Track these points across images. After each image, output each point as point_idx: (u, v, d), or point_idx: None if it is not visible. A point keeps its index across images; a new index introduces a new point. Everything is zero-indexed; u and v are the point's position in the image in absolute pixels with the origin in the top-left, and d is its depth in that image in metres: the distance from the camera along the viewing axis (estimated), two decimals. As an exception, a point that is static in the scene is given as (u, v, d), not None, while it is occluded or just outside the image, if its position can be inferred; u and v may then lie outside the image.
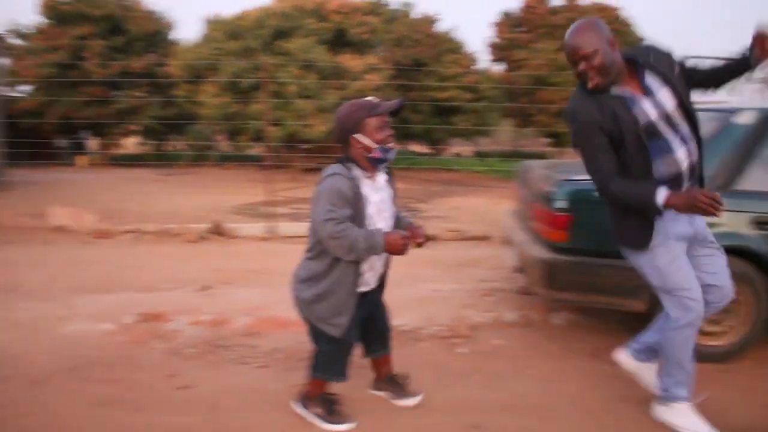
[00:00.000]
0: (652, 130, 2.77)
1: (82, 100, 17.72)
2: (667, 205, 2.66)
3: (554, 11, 23.10)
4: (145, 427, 2.95)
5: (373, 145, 2.77)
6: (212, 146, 19.52)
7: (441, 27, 21.01)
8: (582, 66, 2.73)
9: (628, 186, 2.79)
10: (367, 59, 15.61)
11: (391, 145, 2.81)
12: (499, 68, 23.29)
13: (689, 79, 2.90)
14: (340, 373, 3.00)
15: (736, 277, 3.63)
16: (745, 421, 3.19)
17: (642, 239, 2.90)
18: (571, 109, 2.87)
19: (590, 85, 2.75)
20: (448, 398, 3.33)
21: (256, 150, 19.86)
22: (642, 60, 2.81)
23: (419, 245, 2.90)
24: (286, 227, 8.05)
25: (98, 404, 3.18)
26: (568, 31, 2.79)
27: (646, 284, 3.76)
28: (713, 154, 3.75)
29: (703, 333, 3.87)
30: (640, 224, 2.88)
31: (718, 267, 3.02)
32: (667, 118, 2.79)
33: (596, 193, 3.74)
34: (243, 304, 4.81)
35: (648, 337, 3.24)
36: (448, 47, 19.46)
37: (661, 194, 2.67)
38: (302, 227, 8.00)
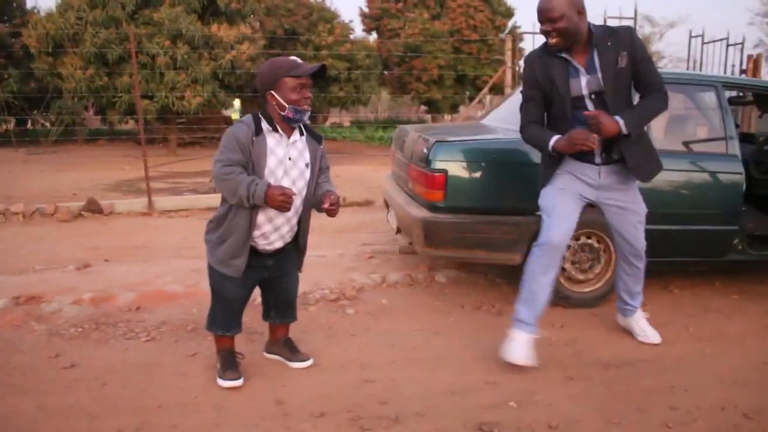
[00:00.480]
0: (577, 104, 3.21)
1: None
2: (555, 148, 3.19)
3: (425, -20, 23.42)
4: (34, 409, 2.87)
5: (286, 105, 2.84)
6: (80, 122, 18.49)
7: (314, -4, 20.86)
8: (546, 26, 3.07)
9: (534, 133, 3.33)
10: (239, 29, 15.25)
11: (305, 107, 2.89)
12: (373, 38, 23.44)
13: (635, 72, 3.21)
14: (224, 326, 3.12)
15: (600, 226, 3.97)
16: (613, 355, 3.51)
17: (546, 178, 3.41)
18: (526, 59, 3.41)
19: (550, 42, 3.12)
20: (340, 357, 3.45)
21: (130, 124, 19.08)
22: (598, 39, 3.13)
23: (329, 212, 2.99)
24: (165, 202, 7.87)
25: (-23, 391, 3.06)
26: None
27: (521, 238, 4.05)
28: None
29: (575, 281, 4.21)
30: (550, 168, 3.39)
31: (626, 223, 3.43)
32: (596, 96, 3.18)
33: (469, 153, 3.99)
34: (125, 280, 4.70)
35: (619, 290, 3.71)
36: (322, 16, 19.36)
37: (552, 140, 3.19)
38: (181, 201, 7.88)
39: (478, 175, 4.04)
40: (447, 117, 25.58)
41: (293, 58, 2.95)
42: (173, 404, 2.92)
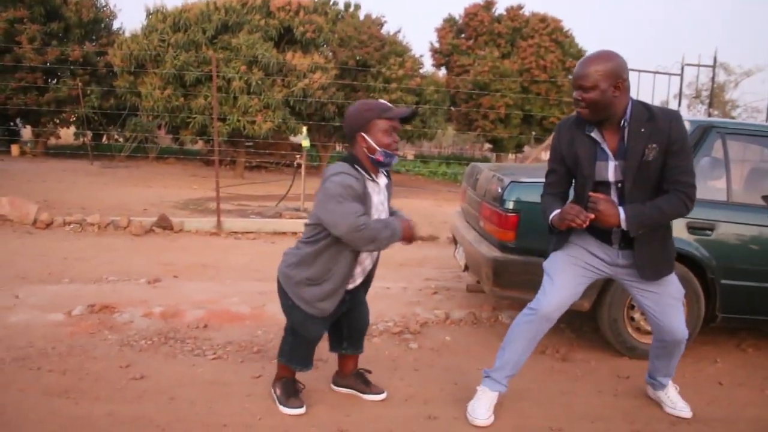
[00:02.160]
0: (600, 189, 2.92)
1: (16, 86, 17.14)
2: (551, 223, 3.00)
3: (497, 19, 23.59)
4: (105, 416, 2.95)
5: (377, 148, 2.83)
6: (153, 139, 19.13)
7: (386, 29, 21.18)
8: (577, 94, 2.81)
9: (546, 204, 3.09)
10: (312, 58, 15.60)
11: (395, 150, 2.88)
12: (442, 73, 23.63)
13: (664, 164, 2.83)
14: (302, 363, 3.09)
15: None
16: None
17: (553, 246, 3.16)
18: (557, 127, 3.08)
19: (578, 112, 2.87)
20: (404, 391, 3.44)
21: (199, 145, 19.62)
22: (632, 122, 2.82)
23: (409, 239, 3.00)
24: (232, 223, 8.03)
25: (53, 395, 3.16)
26: (586, 55, 2.88)
27: (591, 285, 3.99)
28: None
29: (643, 331, 4.12)
30: (557, 237, 3.13)
31: (659, 305, 3.08)
32: (620, 185, 2.91)
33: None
34: (193, 297, 4.82)
35: (650, 365, 3.43)
36: (393, 50, 19.60)
37: (552, 214, 2.99)
38: (249, 223, 8.04)
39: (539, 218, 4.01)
40: (511, 156, 25.49)
41: (383, 101, 2.93)
42: (238, 424, 2.96)
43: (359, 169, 2.85)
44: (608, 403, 3.44)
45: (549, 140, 12.42)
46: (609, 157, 2.87)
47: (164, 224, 7.63)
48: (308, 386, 3.26)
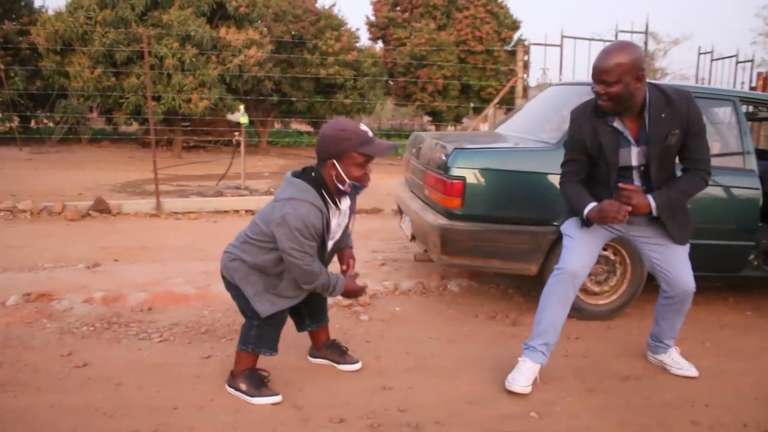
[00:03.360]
0: (623, 173, 3.03)
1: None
2: (588, 217, 3.03)
3: (432, -9, 23.51)
4: (48, 407, 2.83)
5: (347, 180, 2.72)
6: (85, 122, 18.47)
7: (321, 3, 20.93)
8: (599, 87, 2.83)
9: (573, 194, 3.12)
10: (247, 33, 15.26)
11: (366, 182, 2.79)
12: (378, 46, 23.50)
13: (683, 144, 2.96)
14: (271, 347, 2.98)
15: (618, 238, 3.95)
16: (630, 368, 3.48)
17: (565, 216, 3.29)
18: (573, 117, 3.12)
19: (599, 103, 2.90)
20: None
21: (134, 126, 19.07)
22: (653, 109, 2.88)
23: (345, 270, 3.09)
24: (173, 203, 7.84)
25: (-9, 387, 3.03)
26: (604, 48, 2.87)
27: (537, 248, 4.03)
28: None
29: (590, 293, 4.19)
30: (569, 209, 3.24)
31: (670, 259, 3.18)
32: (643, 168, 3.01)
33: (488, 161, 3.94)
34: (135, 280, 4.67)
35: (655, 329, 3.47)
36: (329, 24, 19.37)
37: (587, 209, 3.02)
38: (190, 203, 7.86)
39: (496, 183, 4.02)
40: (450, 128, 25.61)
41: (364, 128, 2.74)
42: (189, 406, 2.88)
43: (325, 194, 2.77)
44: (560, 363, 3.48)
45: (487, 111, 12.48)
46: (632, 144, 2.97)
47: (101, 208, 7.38)
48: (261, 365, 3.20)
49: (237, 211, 7.87)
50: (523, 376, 3.14)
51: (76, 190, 9.14)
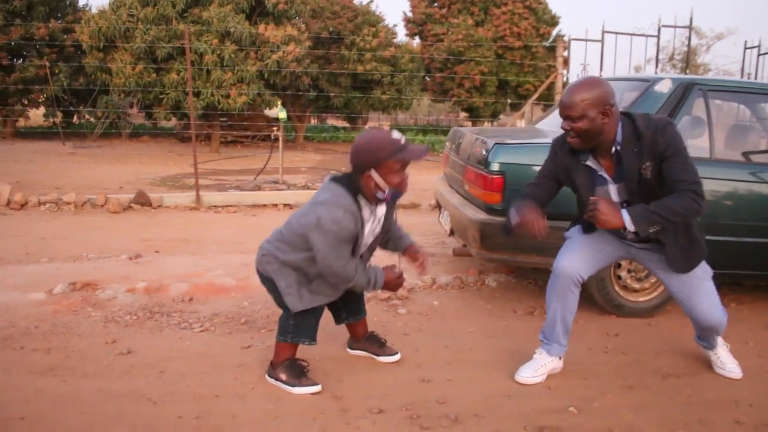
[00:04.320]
0: None
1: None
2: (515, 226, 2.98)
3: (470, -13, 23.38)
4: (94, 392, 2.90)
5: (386, 187, 2.74)
6: (126, 117, 18.79)
7: (359, 0, 20.95)
8: (565, 124, 2.79)
9: (518, 197, 3.11)
10: (285, 30, 15.37)
11: (405, 187, 2.80)
12: (416, 42, 23.47)
13: (662, 168, 2.77)
14: (311, 336, 3.00)
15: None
16: (671, 365, 3.43)
17: (572, 222, 3.31)
18: (552, 146, 3.08)
19: (568, 141, 2.84)
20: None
21: (173, 122, 19.35)
22: (624, 145, 2.79)
23: (421, 271, 3.14)
24: (212, 197, 7.94)
25: (39, 373, 3.09)
26: (570, 84, 2.82)
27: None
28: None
29: (630, 289, 4.14)
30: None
31: (687, 288, 3.05)
32: (625, 204, 2.89)
33: (529, 156, 3.92)
34: (176, 271, 4.75)
35: (696, 330, 3.38)
36: (366, 20, 19.42)
37: (512, 216, 3.00)
38: (229, 197, 7.96)
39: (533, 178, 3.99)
40: (487, 124, 25.49)
41: (396, 135, 2.75)
42: (231, 394, 2.93)
43: (360, 200, 2.80)
44: (599, 360, 3.46)
45: (525, 107, 12.40)
46: (609, 182, 2.90)
47: (142, 200, 7.51)
48: (296, 354, 3.23)
49: (275, 205, 7.94)
50: (530, 368, 3.18)
51: (117, 183, 9.32)
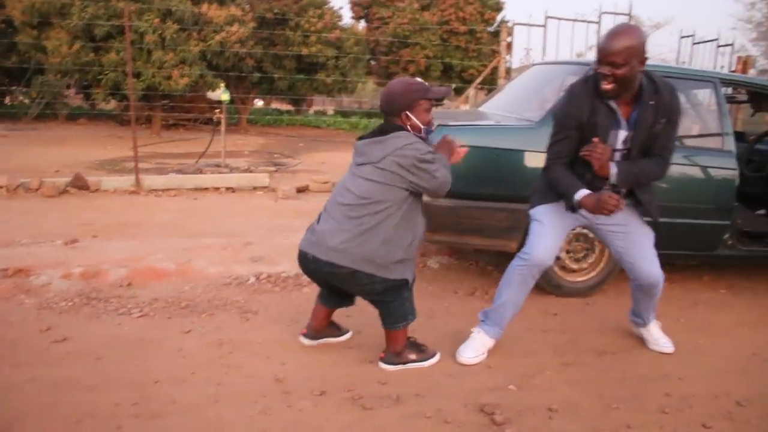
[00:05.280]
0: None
1: None
2: (581, 204, 3.00)
3: (416, -31, 23.33)
4: (27, 381, 2.82)
5: (421, 126, 2.96)
6: (63, 99, 18.16)
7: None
8: (605, 69, 2.83)
9: (561, 177, 3.10)
10: (229, 10, 15.07)
11: (432, 126, 3.04)
12: (361, 25, 23.33)
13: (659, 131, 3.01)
14: (414, 312, 3.11)
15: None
16: (607, 343, 3.53)
17: (535, 201, 3.30)
18: (571, 92, 3.09)
19: (602, 88, 2.89)
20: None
21: (112, 104, 18.82)
22: (645, 96, 2.94)
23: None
24: (152, 180, 7.77)
25: (-31, 362, 3.00)
26: (610, 29, 2.89)
27: (517, 225, 4.05)
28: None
29: (568, 270, 4.23)
30: (541, 193, 3.28)
31: (635, 246, 3.21)
32: (626, 152, 3.06)
33: (470, 138, 3.95)
34: (115, 256, 4.64)
35: (633, 305, 3.53)
36: (311, 2, 19.19)
37: (580, 194, 2.99)
38: (170, 180, 7.80)
39: (478, 160, 4.02)
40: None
41: (419, 80, 3.04)
42: (171, 380, 2.89)
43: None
44: (538, 339, 3.54)
45: (469, 91, 12.49)
46: (622, 126, 3.01)
47: (79, 184, 7.29)
48: (238, 339, 3.21)
49: (217, 189, 7.83)
50: (471, 348, 3.24)
51: (53, 167, 9.02)
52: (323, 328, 3.36)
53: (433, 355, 3.18)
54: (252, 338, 3.31)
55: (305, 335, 3.36)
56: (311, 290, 4.15)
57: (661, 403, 2.90)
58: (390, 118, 2.98)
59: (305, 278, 4.28)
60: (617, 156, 3.07)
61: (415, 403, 2.77)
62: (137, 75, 13.70)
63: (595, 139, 2.94)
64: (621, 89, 2.89)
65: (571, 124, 3.04)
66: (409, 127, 2.95)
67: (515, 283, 3.19)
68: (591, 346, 3.50)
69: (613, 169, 2.98)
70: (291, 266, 4.48)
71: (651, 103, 2.93)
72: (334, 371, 3.03)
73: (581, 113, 3.00)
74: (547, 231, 3.16)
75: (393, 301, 2.99)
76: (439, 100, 3.12)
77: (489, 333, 3.27)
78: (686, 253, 4.46)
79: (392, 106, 2.96)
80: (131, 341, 3.29)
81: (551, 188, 3.19)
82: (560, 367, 3.22)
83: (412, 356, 3.12)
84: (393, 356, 3.10)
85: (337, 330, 3.42)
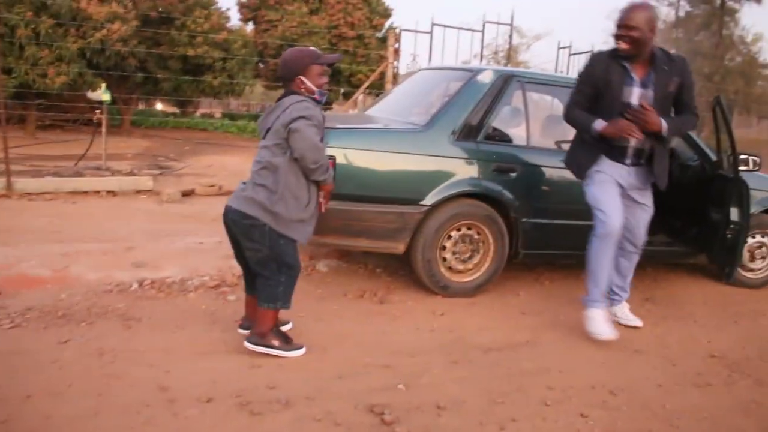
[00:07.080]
0: (624, 109, 3.56)
1: None
2: (600, 132, 3.58)
3: (306, -27, 23.27)
4: None
5: (314, 89, 3.15)
6: None
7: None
8: (621, 31, 3.49)
9: (579, 116, 3.73)
10: (110, 7, 14.47)
11: (326, 90, 3.23)
12: (249, 28, 23.01)
13: (678, 94, 3.67)
14: (290, 299, 3.23)
15: (481, 218, 4.14)
16: (493, 340, 3.65)
17: (582, 168, 3.82)
18: (591, 56, 3.82)
19: (619, 47, 3.53)
20: (227, 342, 3.37)
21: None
22: (658, 61, 3.56)
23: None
24: (25, 184, 7.33)
25: None
26: (628, 4, 3.52)
27: (404, 228, 4.11)
28: (460, 109, 4.21)
29: (455, 271, 4.33)
30: (586, 158, 3.79)
31: (637, 217, 3.84)
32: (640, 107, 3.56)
33: (358, 141, 4.00)
34: (-17, 264, 4.35)
35: (614, 283, 4.06)
36: (198, 2, 18.73)
37: (598, 123, 3.59)
38: (46, 183, 7.40)
39: (365, 163, 4.06)
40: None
41: (312, 48, 3.32)
42: (45, 394, 2.73)
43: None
44: (426, 338, 3.61)
45: (357, 95, 12.57)
46: (635, 83, 3.59)
47: (-58, 188, 6.79)
48: (120, 347, 3.09)
49: (98, 192, 7.49)
50: (602, 323, 3.70)
51: None
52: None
53: (297, 349, 3.25)
54: (134, 346, 3.19)
55: (241, 326, 3.43)
56: (197, 296, 4.05)
57: (544, 395, 3.03)
58: (286, 84, 3.18)
59: (191, 283, 4.21)
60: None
61: (305, 406, 2.76)
62: (8, 71, 12.90)
63: (641, 102, 3.51)
64: (634, 49, 3.49)
65: (587, 80, 3.69)
66: (303, 90, 3.14)
67: (606, 262, 3.70)
68: (477, 343, 3.60)
69: (664, 124, 3.52)
70: (176, 271, 4.36)
71: (665, 67, 3.56)
72: (221, 377, 2.96)
73: (596, 71, 3.63)
74: (609, 206, 3.64)
75: (269, 278, 3.15)
76: (330, 65, 3.29)
77: (600, 307, 3.74)
78: (566, 253, 4.66)
79: (286, 71, 3.16)
80: (1, 355, 3.09)
81: (584, 155, 3.78)
82: (447, 365, 3.30)
83: (276, 342, 3.21)
84: (257, 336, 3.21)
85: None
